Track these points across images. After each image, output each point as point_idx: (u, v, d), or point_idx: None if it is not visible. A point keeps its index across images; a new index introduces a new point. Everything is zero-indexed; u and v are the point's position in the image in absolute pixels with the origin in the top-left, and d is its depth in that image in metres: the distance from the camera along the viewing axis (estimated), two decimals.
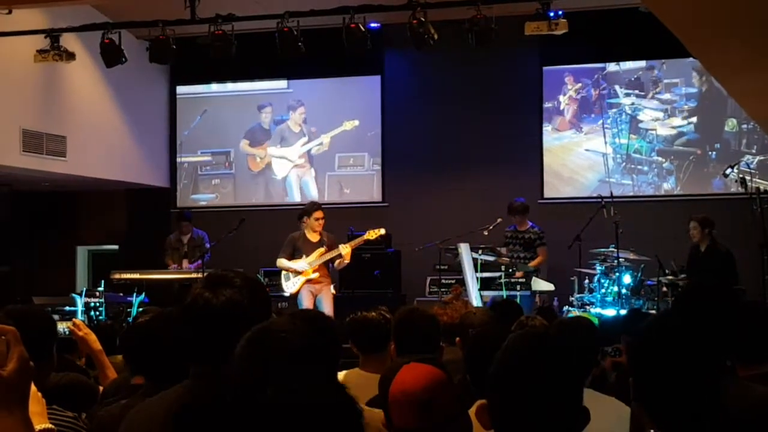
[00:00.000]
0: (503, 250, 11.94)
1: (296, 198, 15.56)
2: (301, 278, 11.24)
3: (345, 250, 11.18)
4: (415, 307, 5.38)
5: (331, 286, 11.46)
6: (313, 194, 15.28)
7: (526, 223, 12.08)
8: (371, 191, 15.52)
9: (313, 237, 11.32)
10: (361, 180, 15.62)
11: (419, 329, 4.64)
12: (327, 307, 11.03)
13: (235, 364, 2.22)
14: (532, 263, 11.82)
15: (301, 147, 15.82)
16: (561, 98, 14.75)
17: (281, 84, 15.96)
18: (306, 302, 11.16)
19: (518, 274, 11.51)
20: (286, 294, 11.51)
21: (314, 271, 11.21)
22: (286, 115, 15.88)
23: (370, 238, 11.54)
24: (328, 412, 1.53)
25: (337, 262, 11.32)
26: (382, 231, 11.71)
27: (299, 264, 11.21)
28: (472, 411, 2.65)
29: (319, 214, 11.30)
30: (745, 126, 13.97)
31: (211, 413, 1.49)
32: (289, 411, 1.48)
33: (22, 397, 1.94)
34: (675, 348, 2.34)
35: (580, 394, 2.34)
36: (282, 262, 11.34)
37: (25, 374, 1.94)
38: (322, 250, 11.21)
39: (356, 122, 15.53)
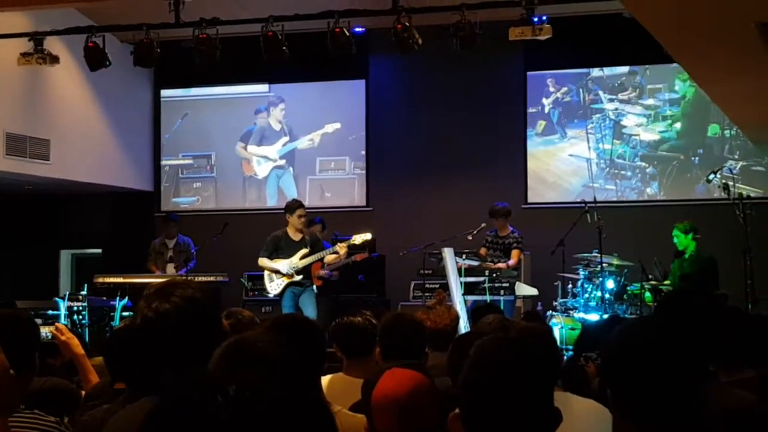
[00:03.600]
0: (481, 251, 11.96)
1: (277, 200, 15.53)
2: (284, 280, 11.19)
3: (342, 249, 11.14)
4: (401, 312, 5.39)
5: (314, 287, 11.40)
6: (294, 196, 15.22)
7: (507, 228, 12.07)
8: (352, 195, 15.52)
9: (296, 236, 11.25)
10: (343, 184, 15.62)
11: (405, 335, 4.65)
12: (310, 309, 10.97)
13: (210, 375, 2.22)
14: (504, 264, 11.74)
15: (282, 146, 15.82)
16: (544, 101, 14.78)
17: (266, 88, 15.95)
18: (289, 304, 11.12)
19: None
20: (270, 295, 11.47)
21: (297, 273, 11.17)
22: (265, 107, 15.91)
23: (356, 243, 11.50)
24: (298, 417, 1.53)
25: (331, 258, 11.26)
26: (368, 236, 11.66)
27: (282, 266, 11.15)
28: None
29: (301, 211, 11.23)
30: (728, 131, 14.03)
31: (177, 420, 1.49)
32: (255, 417, 1.49)
33: (2, 406, 1.93)
34: (650, 355, 2.34)
35: (550, 396, 2.34)
36: (264, 261, 11.25)
37: (4, 383, 1.92)
38: (305, 251, 11.17)
39: (338, 125, 15.53)
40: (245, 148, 15.97)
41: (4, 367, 1.92)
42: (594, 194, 13.22)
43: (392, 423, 2.80)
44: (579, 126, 14.72)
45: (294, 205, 11.36)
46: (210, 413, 1.45)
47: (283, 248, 11.21)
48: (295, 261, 11.12)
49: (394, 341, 4.59)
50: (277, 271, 11.16)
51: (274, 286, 11.25)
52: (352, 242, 11.41)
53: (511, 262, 11.75)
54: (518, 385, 2.29)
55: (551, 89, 14.78)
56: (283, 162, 15.83)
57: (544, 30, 10.84)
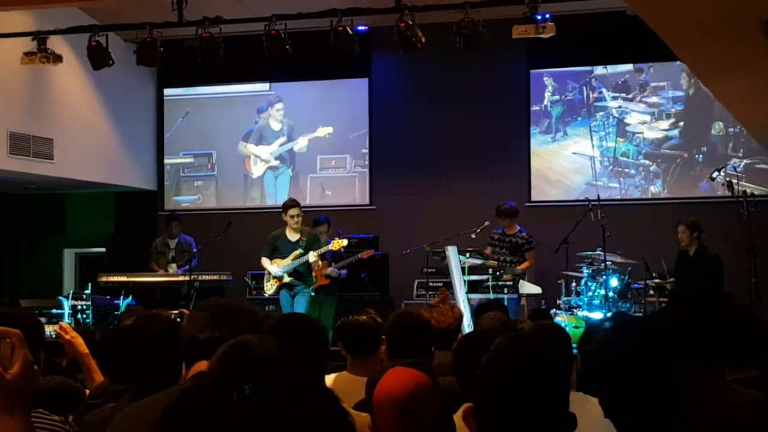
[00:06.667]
0: (487, 250, 11.96)
1: (274, 199, 15.51)
2: (275, 282, 11.30)
3: (312, 258, 11.14)
4: (409, 311, 5.37)
5: (310, 288, 11.38)
6: (288, 196, 15.13)
7: (515, 226, 12.08)
8: (353, 193, 15.51)
9: (293, 236, 11.28)
10: (343, 182, 15.60)
11: (413, 334, 4.64)
12: (302, 311, 10.98)
13: (212, 374, 2.23)
14: (521, 267, 11.83)
15: (278, 147, 15.79)
16: (547, 99, 14.74)
17: (267, 87, 15.93)
18: (286, 304, 11.23)
19: (506, 276, 11.52)
20: (266, 295, 11.59)
21: (289, 275, 11.20)
22: (265, 107, 15.89)
23: (334, 249, 11.57)
24: (317, 415, 1.53)
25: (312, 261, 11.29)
26: (344, 242, 11.68)
27: (273, 268, 11.22)
28: (458, 415, 2.65)
29: (293, 211, 11.23)
30: (731, 129, 14.01)
31: (197, 417, 1.49)
32: (272, 414, 1.48)
33: (25, 401, 1.95)
34: (627, 364, 2.36)
35: (566, 398, 2.34)
36: (263, 261, 11.41)
37: (28, 378, 1.95)
38: (297, 252, 11.18)
39: (330, 129, 15.46)
40: (246, 146, 15.96)
41: (29, 362, 1.95)
42: (597, 192, 13.19)
43: (393, 421, 2.79)
44: (582, 124, 14.70)
45: (288, 204, 11.41)
46: (226, 413, 1.46)
47: (280, 248, 11.29)
48: (286, 263, 11.19)
49: (401, 340, 4.58)
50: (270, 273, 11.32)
51: (269, 286, 11.41)
52: (329, 248, 11.45)
53: (526, 264, 11.86)
54: (534, 384, 2.30)
55: (550, 88, 14.76)
56: (277, 163, 15.79)
57: (547, 28, 10.81)
